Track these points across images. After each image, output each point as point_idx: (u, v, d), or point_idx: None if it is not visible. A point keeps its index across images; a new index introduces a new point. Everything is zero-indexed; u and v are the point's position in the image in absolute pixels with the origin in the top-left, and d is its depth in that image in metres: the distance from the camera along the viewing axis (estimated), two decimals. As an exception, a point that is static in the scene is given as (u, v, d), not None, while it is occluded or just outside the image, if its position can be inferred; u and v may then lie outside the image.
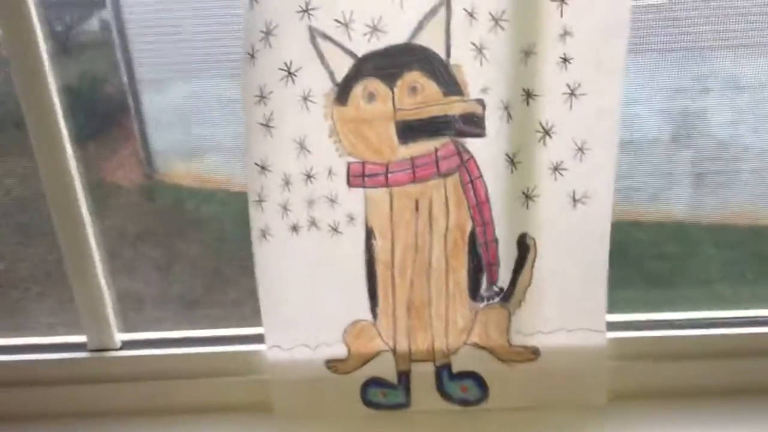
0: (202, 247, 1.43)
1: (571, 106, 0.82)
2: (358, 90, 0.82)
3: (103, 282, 1.01)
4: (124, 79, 1.27)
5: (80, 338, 1.04)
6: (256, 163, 0.85)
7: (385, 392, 0.98)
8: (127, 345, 1.04)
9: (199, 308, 1.24)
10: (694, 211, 1.49)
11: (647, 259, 1.49)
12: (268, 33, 0.78)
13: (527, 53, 0.80)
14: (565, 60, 0.80)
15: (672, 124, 1.41)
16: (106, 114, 1.37)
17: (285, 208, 0.88)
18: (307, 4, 0.78)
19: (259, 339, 0.98)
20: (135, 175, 1.43)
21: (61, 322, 1.14)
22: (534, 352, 0.96)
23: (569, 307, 0.93)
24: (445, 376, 0.98)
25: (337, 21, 0.79)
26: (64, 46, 1.28)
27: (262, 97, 0.81)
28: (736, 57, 1.41)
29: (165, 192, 1.42)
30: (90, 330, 1.03)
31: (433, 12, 0.78)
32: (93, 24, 1.36)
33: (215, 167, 1.35)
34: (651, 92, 1.36)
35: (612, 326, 0.95)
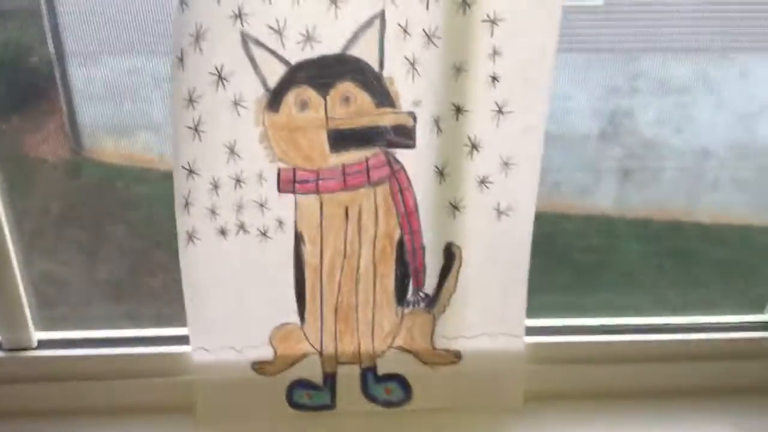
0: (129, 228, 1.39)
1: (498, 123, 0.84)
2: (290, 98, 0.82)
3: (18, 275, 0.97)
4: (51, 49, 1.22)
5: (-7, 338, 1.00)
6: (183, 167, 0.84)
7: (311, 394, 1.00)
8: (45, 344, 1.01)
9: (124, 294, 1.21)
10: (619, 205, 1.55)
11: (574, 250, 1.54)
12: (198, 37, 0.77)
13: (458, 70, 0.82)
14: (494, 78, 0.82)
15: (601, 122, 1.46)
16: (30, 86, 1.32)
17: (213, 212, 0.87)
18: (240, 10, 0.77)
19: (183, 340, 0.97)
20: (61, 150, 1.37)
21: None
22: (456, 356, 0.99)
23: (491, 313, 0.97)
24: (370, 378, 1.00)
25: (270, 28, 0.78)
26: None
27: (191, 101, 0.80)
28: (665, 60, 1.47)
29: (92, 169, 1.37)
30: (4, 328, 0.99)
31: (367, 24, 0.79)
32: None
33: (147, 145, 1.31)
34: (583, 90, 1.41)
35: (530, 331, 0.99)
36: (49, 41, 1.20)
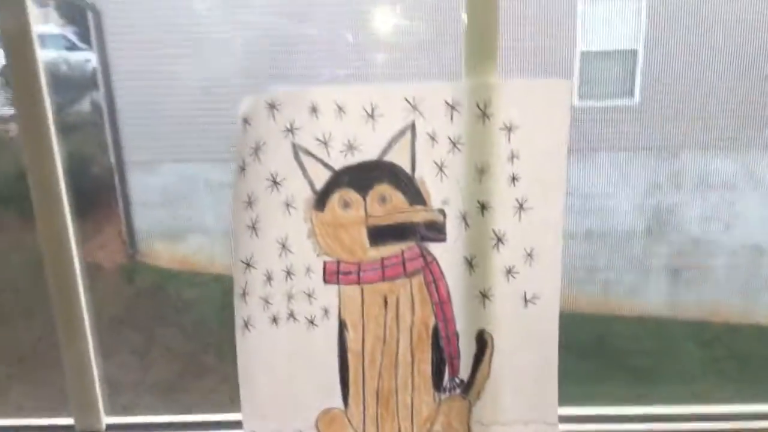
0: (180, 331, 1.46)
1: (520, 218, 0.94)
2: (334, 198, 0.94)
3: (93, 364, 1.08)
4: (112, 159, 1.33)
5: (68, 421, 1.10)
6: (242, 261, 0.95)
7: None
8: (112, 428, 1.10)
9: (174, 395, 1.28)
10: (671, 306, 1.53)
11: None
12: (257, 149, 0.91)
13: (481, 171, 0.93)
14: (513, 178, 0.92)
15: (645, 219, 1.48)
16: (91, 194, 1.43)
17: (266, 301, 0.98)
18: (292, 125, 0.91)
19: (237, 425, 1.04)
20: (117, 255, 1.46)
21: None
22: (493, 442, 1.03)
23: (524, 399, 1.01)
24: (411, 466, 1.04)
25: (317, 139, 0.92)
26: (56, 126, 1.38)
27: (249, 203, 0.93)
28: (705, 156, 1.50)
29: (146, 274, 1.45)
30: (77, 412, 1.09)
31: (400, 134, 0.92)
32: (85, 105, 1.43)
33: (199, 249, 1.39)
34: (624, 188, 1.45)
35: (565, 419, 1.03)
36: (110, 151, 1.33)
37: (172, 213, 1.37)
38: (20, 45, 0.95)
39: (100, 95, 1.33)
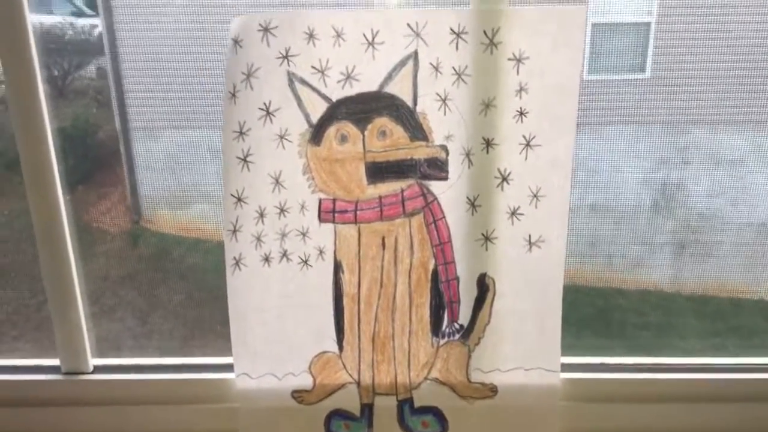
0: (183, 294, 1.45)
1: (526, 156, 0.89)
2: (331, 131, 0.89)
3: (80, 306, 1.05)
4: (117, 125, 1.31)
5: (54, 361, 1.07)
6: (232, 195, 0.91)
7: (349, 424, 1.02)
8: (100, 369, 1.07)
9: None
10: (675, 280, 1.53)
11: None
12: (249, 75, 0.86)
13: (487, 105, 0.87)
14: (521, 113, 0.87)
15: (652, 193, 1.46)
16: (96, 159, 1.42)
17: (259, 239, 0.93)
18: (287, 51, 0.86)
19: (229, 368, 1.01)
20: (121, 220, 1.46)
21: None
22: (492, 389, 1.00)
23: (525, 346, 0.98)
24: (407, 410, 1.01)
25: (314, 68, 0.86)
26: (60, 91, 1.35)
27: (240, 134, 0.88)
28: (715, 131, 1.47)
29: (150, 239, 1.44)
30: (64, 353, 1.06)
31: (401, 64, 0.86)
32: (90, 71, 1.42)
33: (202, 216, 1.38)
34: (633, 162, 1.42)
35: (567, 367, 1.00)
36: (116, 117, 1.30)
37: (176, 180, 1.34)
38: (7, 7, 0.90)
39: (105, 61, 1.31)
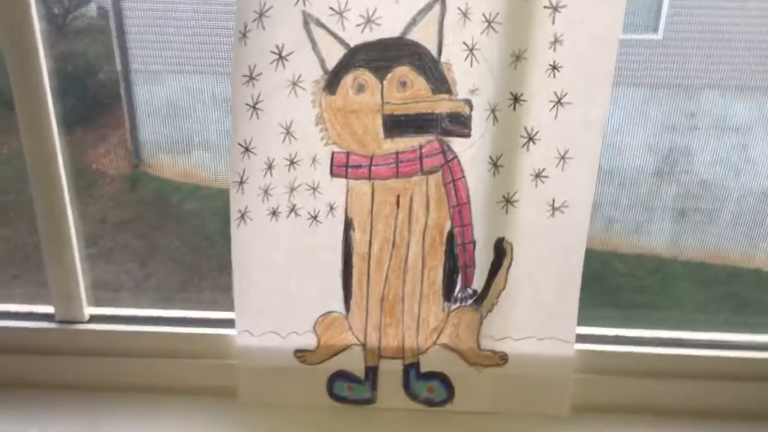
0: (180, 239, 1.43)
1: (556, 115, 0.83)
2: (348, 80, 0.83)
3: (77, 255, 1.00)
4: (118, 67, 1.27)
5: (49, 309, 1.03)
6: (240, 144, 0.85)
7: (352, 386, 0.98)
8: (96, 319, 1.03)
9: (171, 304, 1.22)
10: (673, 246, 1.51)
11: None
12: (261, 14, 0.79)
13: (517, 57, 0.81)
14: (554, 67, 0.81)
15: (657, 159, 1.43)
16: (96, 101, 1.37)
17: (266, 192, 0.88)
18: None
19: (230, 324, 0.97)
20: (122, 164, 1.43)
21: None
22: (502, 358, 0.96)
23: (541, 315, 0.94)
24: (413, 375, 0.98)
25: (331, 9, 0.79)
26: (60, 29, 1.28)
27: (251, 78, 0.82)
28: (724, 98, 1.43)
29: (149, 183, 1.42)
30: (59, 301, 1.02)
31: (427, 8, 0.79)
32: (91, 10, 1.36)
33: (202, 163, 1.35)
34: (639, 125, 1.38)
35: (580, 339, 0.96)
36: (117, 59, 1.25)
37: (177, 126, 1.30)
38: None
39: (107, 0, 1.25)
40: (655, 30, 1.42)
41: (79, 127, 1.32)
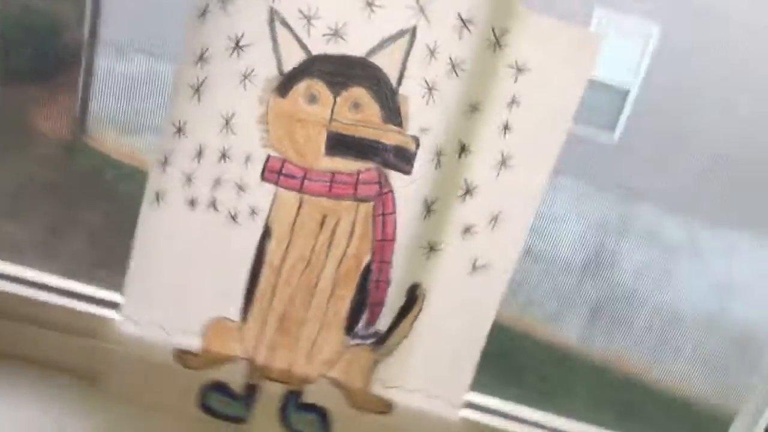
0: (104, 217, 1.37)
1: (498, 174, 0.82)
2: (301, 87, 0.80)
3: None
4: (85, 32, 1.22)
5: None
6: (173, 123, 0.81)
7: (226, 401, 0.93)
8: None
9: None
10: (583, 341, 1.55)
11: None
12: None
13: (474, 108, 0.80)
14: (506, 127, 0.80)
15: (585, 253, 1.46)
16: (57, 61, 1.31)
17: (189, 179, 0.83)
18: None
19: (110, 305, 0.91)
20: (64, 130, 1.37)
21: None
22: (387, 406, 0.93)
23: (435, 372, 0.91)
24: (293, 403, 0.93)
25: (300, 12, 0.77)
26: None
27: (201, 59, 0.78)
28: (660, 213, 1.49)
29: (89, 155, 1.37)
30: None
31: (397, 35, 0.78)
32: None
33: (149, 147, 1.30)
34: (576, 218, 1.42)
35: (471, 406, 0.94)
36: (86, 24, 1.20)
37: (133, 106, 1.25)
38: None
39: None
40: (612, 131, 1.47)
41: (29, 82, 1.25)
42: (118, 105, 1.28)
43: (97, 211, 1.39)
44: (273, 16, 0.77)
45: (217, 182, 0.84)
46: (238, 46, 0.78)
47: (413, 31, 0.77)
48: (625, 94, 1.47)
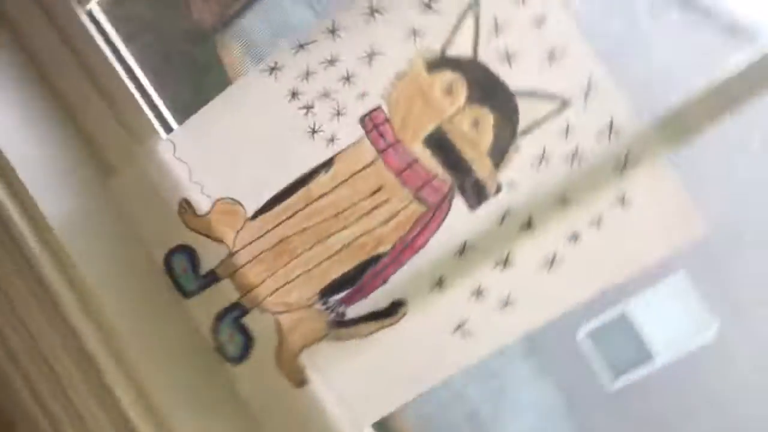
0: None
1: (539, 273, 0.82)
2: (447, 75, 0.82)
3: None
4: None
5: None
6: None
7: (186, 270, 0.93)
8: None
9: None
10: None
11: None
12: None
13: (564, 200, 0.81)
14: (574, 237, 0.80)
15: None
16: None
17: (307, 74, 0.86)
18: None
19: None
20: None
21: None
22: (302, 382, 0.91)
23: (364, 387, 0.90)
24: (233, 315, 0.92)
25: (495, 18, 0.80)
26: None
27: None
28: None
29: None
30: None
31: (552, 97, 0.79)
32: None
33: None
34: None
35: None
36: None
37: None
38: None
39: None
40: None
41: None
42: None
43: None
44: (476, 3, 0.80)
45: (326, 95, 0.86)
46: (430, 4, 0.81)
47: (564, 104, 0.78)
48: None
